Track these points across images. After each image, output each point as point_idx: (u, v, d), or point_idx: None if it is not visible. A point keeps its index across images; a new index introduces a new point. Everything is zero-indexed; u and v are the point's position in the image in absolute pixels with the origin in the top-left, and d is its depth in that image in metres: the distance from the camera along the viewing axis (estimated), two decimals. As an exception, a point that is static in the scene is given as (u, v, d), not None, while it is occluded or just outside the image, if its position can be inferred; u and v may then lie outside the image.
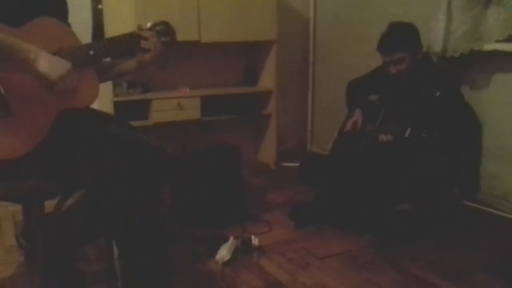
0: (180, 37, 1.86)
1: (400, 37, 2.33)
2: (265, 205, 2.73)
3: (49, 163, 1.45)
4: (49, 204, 1.63)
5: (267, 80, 3.43)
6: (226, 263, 2.02)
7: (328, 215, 2.41)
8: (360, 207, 2.32)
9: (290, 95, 3.82)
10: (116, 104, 2.82)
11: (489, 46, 2.43)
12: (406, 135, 2.11)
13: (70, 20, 1.69)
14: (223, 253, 2.03)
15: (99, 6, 2.76)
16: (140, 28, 1.73)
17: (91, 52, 1.55)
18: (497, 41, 2.40)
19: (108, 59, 1.79)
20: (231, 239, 2.11)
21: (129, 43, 1.68)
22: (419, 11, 2.74)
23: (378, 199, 2.29)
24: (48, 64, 1.37)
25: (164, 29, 1.79)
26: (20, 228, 1.89)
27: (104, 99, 2.73)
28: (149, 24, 1.76)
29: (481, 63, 2.53)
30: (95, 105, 1.65)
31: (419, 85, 2.37)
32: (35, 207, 1.52)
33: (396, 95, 2.41)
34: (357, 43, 3.34)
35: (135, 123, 2.41)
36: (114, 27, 2.60)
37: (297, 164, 3.34)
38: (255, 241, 2.15)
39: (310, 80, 3.88)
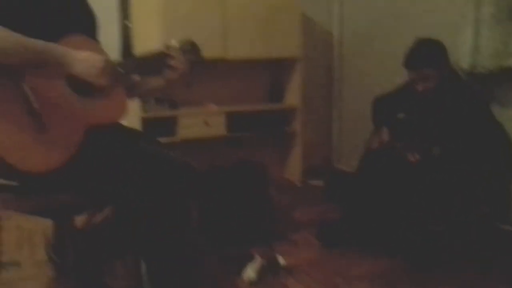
0: (206, 53, 1.88)
1: (427, 53, 2.29)
2: (292, 224, 2.70)
3: (80, 178, 1.47)
4: (79, 220, 1.65)
5: (292, 97, 3.43)
6: (252, 283, 1.99)
7: (356, 234, 2.36)
8: (390, 226, 2.28)
9: (315, 112, 3.81)
10: (144, 121, 2.86)
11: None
12: (434, 153, 2.06)
13: (99, 37, 1.73)
14: (250, 272, 2.01)
15: (128, 24, 2.82)
16: (167, 47, 1.76)
17: (120, 70, 1.58)
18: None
19: (136, 76, 1.82)
20: (258, 258, 2.09)
21: (157, 61, 1.70)
22: (446, 26, 2.71)
23: (407, 219, 2.24)
24: (84, 67, 1.40)
25: (191, 48, 1.81)
26: (51, 243, 1.92)
27: (132, 116, 2.77)
28: (176, 43, 1.78)
29: (511, 80, 2.47)
30: (123, 122, 1.68)
31: (447, 102, 2.32)
32: (66, 222, 1.54)
33: (423, 112, 2.37)
34: (383, 60, 3.32)
35: (162, 140, 2.43)
36: (142, 44, 2.65)
37: (322, 182, 3.32)
38: (281, 260, 2.12)
39: (336, 97, 3.87)
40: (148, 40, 2.70)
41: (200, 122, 3.01)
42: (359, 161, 2.67)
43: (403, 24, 3.13)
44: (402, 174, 2.29)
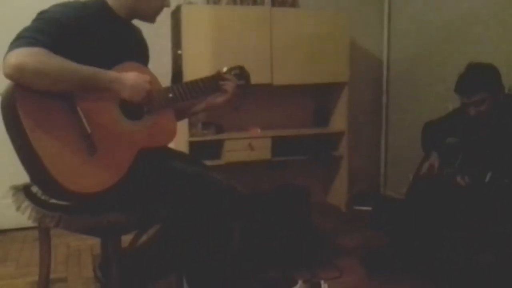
0: (253, 80, 1.92)
1: (480, 77, 2.23)
2: (336, 249, 2.65)
3: (128, 199, 1.53)
4: (126, 239, 1.70)
5: (338, 121, 3.41)
6: (295, 308, 1.97)
7: (403, 262, 2.29)
8: (437, 254, 2.19)
9: (362, 137, 3.76)
10: (191, 144, 2.93)
11: None
12: (487, 179, 1.98)
13: (152, 64, 1.82)
14: (292, 297, 1.99)
15: (179, 52, 2.93)
16: (217, 72, 1.82)
17: (171, 95, 1.65)
18: None
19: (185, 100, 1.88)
20: (300, 283, 2.06)
21: (207, 86, 1.76)
22: (500, 49, 2.64)
23: (456, 246, 2.15)
24: (130, 91, 1.48)
25: (240, 73, 1.87)
26: (98, 261, 1.98)
27: (180, 139, 2.85)
28: (225, 68, 1.85)
29: None
30: (171, 145, 1.73)
31: (501, 127, 2.24)
32: (113, 241, 1.59)
33: (476, 138, 2.29)
34: (433, 84, 3.25)
35: (208, 162, 2.48)
36: (192, 71, 2.74)
37: (369, 208, 3.25)
38: (324, 286, 2.08)
39: (384, 121, 3.81)
40: (198, 67, 2.78)
41: (245, 146, 3.05)
42: (408, 186, 2.61)
43: (455, 48, 3.07)
44: (452, 200, 2.21)
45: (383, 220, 2.59)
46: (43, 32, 1.37)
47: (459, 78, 2.28)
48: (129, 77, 1.49)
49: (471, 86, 2.22)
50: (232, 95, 1.79)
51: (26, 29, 1.39)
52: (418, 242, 2.27)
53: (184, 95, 1.68)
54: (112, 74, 1.47)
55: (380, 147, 3.85)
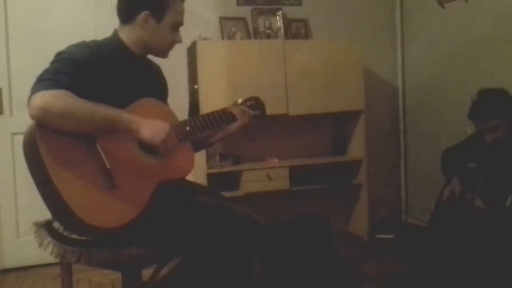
0: (269, 111, 1.95)
1: (492, 104, 2.22)
2: (359, 278, 2.60)
3: (148, 231, 1.54)
4: (146, 273, 1.70)
5: (356, 149, 3.40)
6: None
7: (427, 291, 2.23)
8: (462, 282, 2.13)
9: (381, 164, 3.73)
10: (209, 176, 2.95)
11: None
12: (508, 203, 1.94)
13: (169, 99, 1.86)
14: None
15: (195, 86, 2.99)
16: (233, 103, 1.85)
17: (188, 128, 1.68)
18: None
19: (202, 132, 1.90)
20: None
21: (222, 117, 1.79)
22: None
23: (482, 274, 2.09)
24: (150, 131, 1.50)
25: (255, 104, 1.90)
26: (119, 296, 1.98)
27: (198, 171, 2.87)
28: (240, 100, 1.88)
29: None
30: (190, 177, 1.75)
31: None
32: (134, 275, 1.59)
33: (496, 162, 2.26)
34: (450, 110, 3.24)
35: (226, 194, 2.49)
36: (209, 105, 2.77)
37: (391, 236, 3.20)
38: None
39: (402, 148, 3.79)
40: (214, 101, 2.82)
41: (263, 176, 3.05)
42: (431, 214, 2.56)
43: (470, 73, 3.06)
44: (475, 226, 2.16)
45: (406, 248, 2.54)
46: (63, 73, 1.42)
47: (471, 106, 2.28)
48: (149, 121, 1.52)
49: (484, 112, 2.21)
50: (244, 120, 1.80)
51: (46, 71, 1.44)
52: (442, 269, 2.21)
53: (200, 127, 1.71)
54: (133, 117, 1.50)
55: (400, 174, 3.81)
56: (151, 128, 1.51)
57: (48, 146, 1.37)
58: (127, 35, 1.65)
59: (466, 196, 2.31)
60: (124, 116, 1.49)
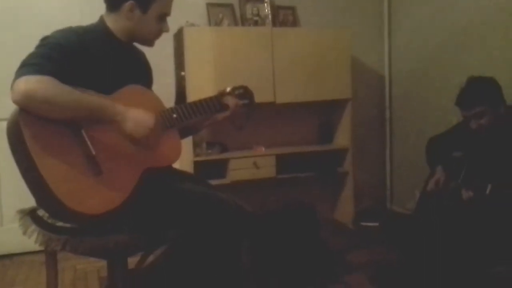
0: (256, 99, 1.94)
1: (479, 91, 2.25)
2: (345, 266, 2.63)
3: (134, 219, 1.53)
4: (132, 261, 1.69)
5: (342, 137, 3.42)
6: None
7: (412, 278, 2.26)
8: (449, 269, 2.17)
9: (367, 152, 3.76)
10: (196, 164, 2.94)
11: None
12: (487, 191, 1.97)
13: (155, 86, 1.84)
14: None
15: (182, 73, 2.97)
16: (221, 92, 1.84)
17: (175, 115, 1.67)
18: None
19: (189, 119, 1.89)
20: (309, 300, 2.04)
21: (210, 106, 1.78)
22: (501, 63, 2.65)
23: (467, 261, 2.13)
24: (133, 125, 1.49)
25: (243, 93, 1.89)
26: (105, 284, 1.97)
27: (185, 159, 2.86)
28: (229, 88, 1.86)
29: None
30: (176, 165, 1.74)
31: (503, 139, 2.24)
32: (120, 262, 1.58)
33: (479, 150, 2.29)
34: (436, 98, 3.26)
35: (213, 182, 2.49)
36: (196, 92, 2.76)
37: (376, 224, 3.23)
38: (333, 303, 2.06)
39: (388, 136, 3.81)
40: (201, 88, 2.81)
41: (250, 164, 3.06)
42: (416, 202, 2.59)
43: (456, 62, 3.08)
44: (459, 214, 2.19)
45: (391, 235, 2.57)
46: (48, 58, 1.40)
47: (459, 92, 2.30)
48: (134, 114, 1.51)
49: (470, 99, 2.24)
50: (234, 111, 1.80)
51: (31, 56, 1.42)
52: (427, 257, 2.25)
53: (188, 115, 1.70)
54: (118, 108, 1.48)
55: (385, 162, 3.84)
56: (135, 122, 1.49)
57: (32, 132, 1.35)
58: (113, 23, 1.63)
59: (450, 185, 2.35)
60: (110, 106, 1.47)
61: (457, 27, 3.06)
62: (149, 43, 1.71)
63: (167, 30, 1.70)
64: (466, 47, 3.00)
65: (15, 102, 1.34)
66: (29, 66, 1.36)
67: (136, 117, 1.50)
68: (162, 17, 1.66)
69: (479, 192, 2.04)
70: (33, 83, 1.33)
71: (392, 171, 3.83)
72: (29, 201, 1.56)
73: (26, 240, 1.55)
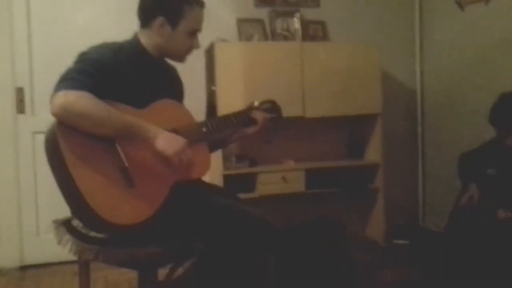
0: (285, 113, 1.95)
1: None
2: (375, 284, 2.58)
3: (164, 231, 1.56)
4: (162, 273, 1.72)
5: (373, 152, 3.38)
6: None
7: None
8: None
9: (399, 168, 3.69)
10: (226, 177, 2.96)
11: None
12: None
13: (187, 100, 1.88)
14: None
15: (213, 88, 3.01)
16: (249, 106, 1.86)
17: (204, 129, 1.69)
18: None
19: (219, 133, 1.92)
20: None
21: (238, 120, 1.81)
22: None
23: (498, 284, 2.06)
24: (165, 142, 1.52)
25: (271, 107, 1.91)
26: (135, 294, 2.00)
27: (214, 173, 2.89)
28: (257, 103, 1.89)
29: None
30: (206, 178, 1.77)
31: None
32: (150, 274, 1.61)
33: (516, 168, 2.23)
34: (469, 114, 3.20)
35: (242, 195, 2.49)
36: (226, 106, 2.80)
37: (408, 242, 3.16)
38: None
39: (420, 152, 3.75)
40: (232, 102, 2.84)
41: (279, 179, 3.05)
42: (448, 219, 2.54)
43: (489, 77, 3.02)
44: (493, 233, 2.13)
45: (423, 254, 2.51)
46: (86, 73, 1.46)
47: (492, 108, 2.25)
48: (166, 133, 1.54)
49: (505, 116, 2.19)
50: (262, 126, 1.82)
51: (70, 71, 1.48)
52: (459, 276, 2.18)
53: (217, 128, 1.73)
54: (151, 126, 1.52)
55: (417, 178, 3.77)
56: (166, 139, 1.52)
57: (68, 144, 1.40)
58: (145, 39, 1.68)
59: (485, 203, 2.28)
60: (142, 124, 1.51)
61: (491, 41, 3.01)
62: (180, 59, 1.74)
63: (197, 47, 1.73)
64: (498, 62, 2.95)
65: (53, 114, 1.40)
66: (68, 80, 1.42)
67: (168, 136, 1.53)
68: (193, 33, 1.69)
69: None
70: (71, 97, 1.39)
71: (424, 187, 3.75)
72: (64, 212, 1.61)
73: (61, 250, 1.60)
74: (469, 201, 2.36)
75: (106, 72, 1.51)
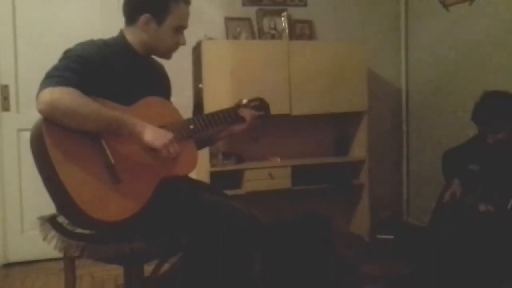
0: (272, 111, 1.97)
1: (495, 106, 2.23)
2: (359, 279, 2.62)
3: (151, 227, 1.56)
4: (148, 269, 1.72)
5: (358, 149, 3.42)
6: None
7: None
8: (463, 283, 2.14)
9: (383, 165, 3.74)
10: (212, 174, 2.98)
11: None
12: (509, 206, 1.96)
13: (174, 97, 1.89)
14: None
15: (200, 86, 3.02)
16: (237, 104, 1.87)
17: (191, 126, 1.70)
18: None
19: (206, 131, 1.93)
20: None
21: (226, 117, 1.82)
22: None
23: (482, 276, 2.10)
24: (153, 135, 1.53)
25: (259, 104, 1.93)
26: (121, 291, 2.01)
27: (201, 169, 2.90)
28: (245, 100, 1.90)
29: None
30: (193, 175, 1.78)
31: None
32: (136, 270, 1.62)
33: (497, 165, 2.27)
34: (453, 112, 3.25)
35: (229, 192, 2.51)
36: (213, 104, 2.80)
37: (392, 236, 3.21)
38: (347, 315, 2.06)
39: (404, 149, 3.80)
40: (219, 100, 2.84)
41: (265, 175, 3.08)
42: (431, 214, 2.58)
43: (474, 77, 3.07)
44: (475, 228, 2.18)
45: (406, 248, 2.56)
46: (72, 70, 1.46)
47: (475, 107, 2.29)
48: (153, 127, 1.54)
49: (487, 114, 2.23)
50: (250, 124, 1.83)
51: (55, 68, 1.47)
52: (442, 270, 2.23)
53: (204, 126, 1.73)
54: (137, 120, 1.52)
55: (401, 175, 3.82)
56: (153, 132, 1.53)
57: (54, 141, 1.41)
58: (131, 36, 1.68)
59: (467, 198, 2.33)
60: (129, 119, 1.51)
61: (475, 41, 3.06)
62: (166, 55, 1.75)
63: (183, 43, 1.73)
64: (482, 61, 3.00)
65: (39, 111, 1.40)
66: (54, 77, 1.42)
67: (155, 129, 1.54)
68: (179, 30, 1.70)
69: (499, 206, 2.02)
70: (57, 94, 1.39)
71: (408, 183, 3.80)
72: (49, 209, 1.61)
73: (46, 247, 1.59)
74: (452, 197, 2.40)
75: (92, 69, 1.51)
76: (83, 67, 1.49)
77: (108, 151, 1.48)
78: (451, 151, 2.62)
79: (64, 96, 1.39)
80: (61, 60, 1.52)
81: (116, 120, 1.49)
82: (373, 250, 3.15)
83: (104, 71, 1.55)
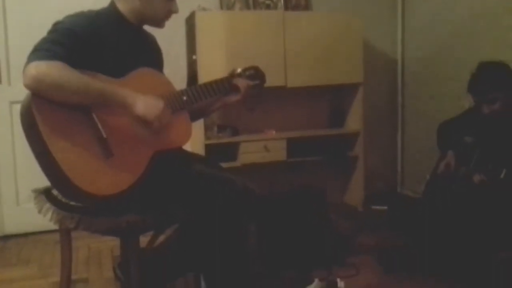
0: (267, 83, 1.95)
1: (491, 76, 2.23)
2: (353, 248, 2.65)
3: (146, 199, 1.57)
4: (145, 240, 1.74)
5: (354, 121, 3.42)
6: (311, 306, 1.98)
7: (420, 261, 2.28)
8: (456, 253, 2.18)
9: (378, 137, 3.75)
10: (207, 147, 2.97)
11: None
12: (502, 176, 1.97)
13: (167, 69, 1.86)
14: (308, 295, 2.00)
15: (194, 57, 2.98)
16: (231, 73, 1.85)
17: (185, 98, 1.68)
18: None
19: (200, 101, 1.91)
20: (316, 281, 2.07)
21: (220, 87, 1.79)
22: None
23: (476, 245, 2.14)
24: (144, 106, 1.51)
25: (254, 73, 1.90)
26: (117, 261, 2.03)
27: (196, 142, 2.89)
28: (239, 69, 1.87)
29: None
30: (187, 147, 1.77)
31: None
32: (132, 241, 1.63)
33: (491, 136, 2.28)
34: (448, 83, 3.24)
35: (224, 164, 2.51)
36: (207, 75, 2.76)
37: (386, 207, 3.24)
38: (341, 284, 2.09)
39: (399, 121, 3.80)
40: (213, 71, 2.81)
41: (261, 148, 3.08)
42: (425, 185, 2.60)
43: (469, 48, 3.05)
44: (469, 199, 2.20)
45: (400, 219, 2.58)
46: (59, 43, 1.42)
47: (471, 78, 2.28)
48: (144, 97, 1.52)
49: (483, 85, 2.22)
50: (245, 94, 1.81)
51: (42, 41, 1.44)
52: (435, 241, 2.26)
53: (198, 97, 1.72)
54: (128, 92, 1.50)
55: (396, 146, 3.84)
56: (145, 103, 1.51)
57: (44, 116, 1.39)
58: (123, 5, 1.64)
59: (461, 169, 2.35)
60: (119, 90, 1.49)
61: (471, 12, 3.02)
62: (159, 24, 1.71)
63: (176, 11, 1.70)
64: (478, 33, 2.97)
65: (26, 86, 1.37)
66: (40, 51, 1.39)
67: (146, 100, 1.52)
68: None
69: (493, 176, 2.04)
70: (43, 68, 1.35)
71: (403, 155, 3.82)
72: (44, 181, 1.60)
73: (41, 219, 1.60)
74: (447, 168, 2.41)
75: (82, 42, 1.48)
76: (72, 40, 1.45)
77: (99, 125, 1.46)
78: (446, 123, 2.62)
79: (51, 70, 1.36)
80: (49, 32, 1.48)
81: (105, 92, 1.46)
82: (367, 221, 3.18)
83: (94, 43, 1.52)
